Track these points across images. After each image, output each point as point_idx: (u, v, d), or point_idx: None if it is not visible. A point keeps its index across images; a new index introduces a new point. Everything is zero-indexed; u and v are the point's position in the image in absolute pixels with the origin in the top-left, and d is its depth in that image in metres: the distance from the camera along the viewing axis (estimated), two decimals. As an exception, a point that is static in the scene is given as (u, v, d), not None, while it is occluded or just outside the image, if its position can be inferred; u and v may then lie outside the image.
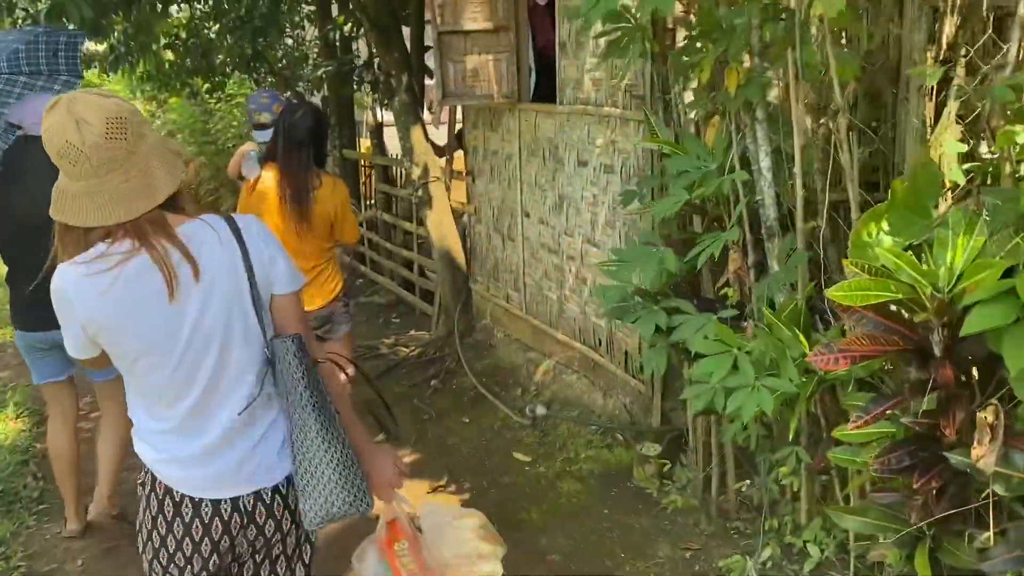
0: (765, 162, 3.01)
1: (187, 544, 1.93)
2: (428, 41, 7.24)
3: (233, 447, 1.91)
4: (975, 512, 2.39)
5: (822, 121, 3.02)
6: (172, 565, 1.95)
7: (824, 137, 2.91)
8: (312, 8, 8.60)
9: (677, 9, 3.65)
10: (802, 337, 2.78)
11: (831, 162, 2.71)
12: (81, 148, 1.68)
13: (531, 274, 5.35)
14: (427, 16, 6.90)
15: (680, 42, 3.61)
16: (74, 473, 3.83)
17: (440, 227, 6.10)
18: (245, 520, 1.94)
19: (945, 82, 2.98)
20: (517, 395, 5.17)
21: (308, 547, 2.11)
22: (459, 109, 6.29)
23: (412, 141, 6.09)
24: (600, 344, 4.72)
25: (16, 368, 5.87)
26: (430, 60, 7.53)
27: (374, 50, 7.45)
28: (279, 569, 2.07)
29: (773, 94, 3.17)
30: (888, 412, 2.37)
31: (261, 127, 4.14)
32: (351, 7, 7.36)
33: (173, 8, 7.98)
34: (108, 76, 10.47)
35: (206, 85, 9.64)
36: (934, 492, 2.38)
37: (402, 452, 4.61)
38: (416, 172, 6.09)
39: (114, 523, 3.86)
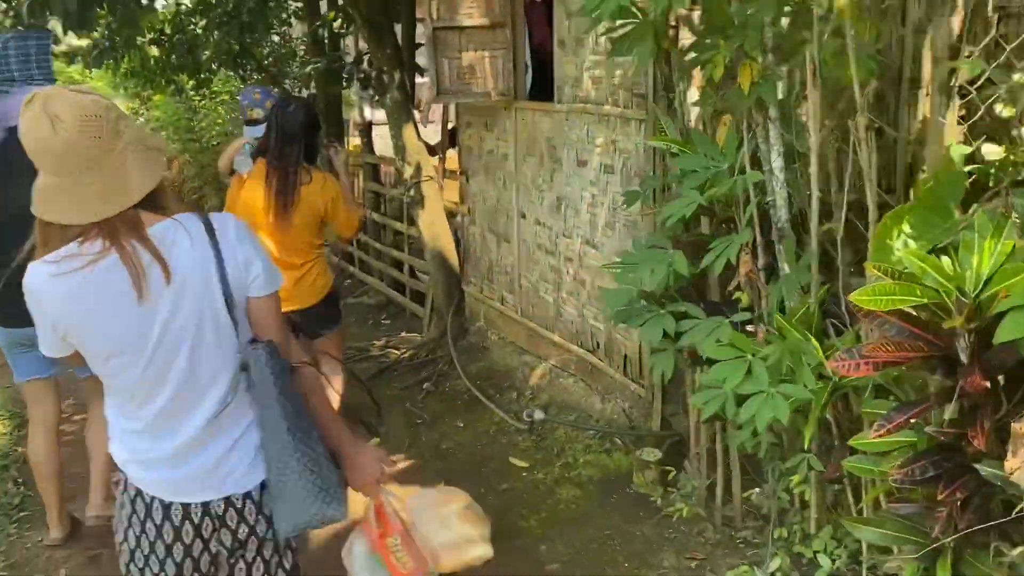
0: (777, 162, 2.93)
1: (160, 547, 1.93)
2: (420, 39, 7.18)
3: (205, 450, 1.90)
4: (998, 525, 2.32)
5: (829, 121, 2.95)
6: (147, 568, 1.95)
7: (839, 137, 2.83)
8: (300, 4, 8.46)
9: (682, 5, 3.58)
10: (815, 342, 2.71)
11: (849, 163, 2.63)
12: (55, 145, 1.67)
13: (527, 276, 5.25)
14: (419, 14, 6.83)
15: (682, 39, 3.53)
16: (56, 478, 3.71)
17: (433, 227, 5.99)
18: (217, 524, 1.94)
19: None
20: (512, 399, 5.07)
21: (289, 553, 2.09)
22: (452, 107, 6.19)
23: (404, 139, 5.97)
24: (598, 347, 4.63)
25: (-4, 369, 5.73)
26: (420, 58, 7.46)
27: (365, 47, 7.35)
28: (255, 574, 2.04)
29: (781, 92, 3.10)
30: (913, 421, 2.29)
31: (253, 123, 4.07)
32: (341, 3, 7.24)
33: (159, 2, 7.83)
34: (91, 72, 10.32)
35: (191, 82, 9.48)
36: (958, 504, 2.31)
37: (395, 457, 4.51)
38: (408, 171, 5.98)
39: (107, 527, 3.74)
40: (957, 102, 2.73)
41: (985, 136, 2.80)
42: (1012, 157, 2.83)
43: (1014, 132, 2.85)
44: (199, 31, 8.50)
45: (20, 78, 3.56)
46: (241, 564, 2.02)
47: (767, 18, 2.73)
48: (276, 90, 8.10)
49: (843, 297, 2.76)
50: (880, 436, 2.29)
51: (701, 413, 3.53)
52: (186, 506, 1.91)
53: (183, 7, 8.58)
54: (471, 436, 4.70)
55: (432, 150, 6.33)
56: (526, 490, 4.08)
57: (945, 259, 2.29)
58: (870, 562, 2.90)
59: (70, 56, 8.58)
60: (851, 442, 2.58)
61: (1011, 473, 2.03)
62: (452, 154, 6.34)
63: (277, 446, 1.86)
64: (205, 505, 1.92)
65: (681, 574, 3.35)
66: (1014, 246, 2.17)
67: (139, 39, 8.02)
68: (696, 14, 3.59)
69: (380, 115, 8.22)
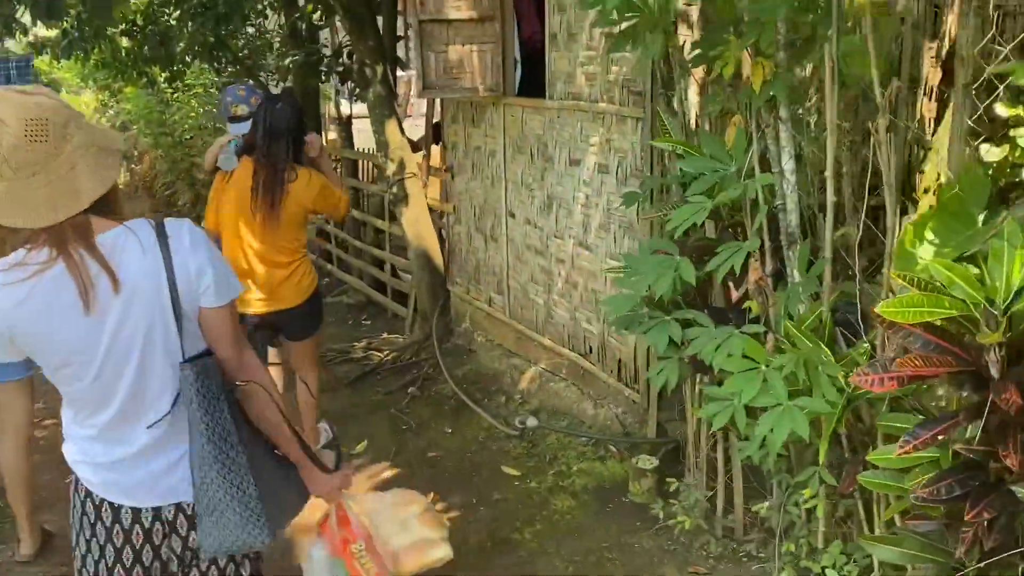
0: (789, 164, 2.82)
1: (109, 550, 1.92)
2: (401, 32, 7.01)
3: (156, 459, 1.89)
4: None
5: (846, 122, 2.85)
6: (99, 568, 1.93)
7: (854, 138, 2.73)
8: (277, -6, 8.25)
9: (681, 1, 3.46)
10: (828, 352, 2.61)
11: (855, 163, 2.52)
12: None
13: (516, 277, 5.11)
14: (400, 6, 6.66)
15: (681, 36, 3.42)
16: (27, 489, 3.53)
17: (416, 225, 5.84)
18: (167, 530, 1.93)
19: (946, 83, 2.85)
20: (501, 403, 4.93)
21: (248, 563, 2.07)
22: (436, 102, 6.03)
23: (387, 135, 5.81)
24: (591, 351, 4.50)
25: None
26: (401, 52, 7.30)
27: (343, 39, 7.17)
28: None
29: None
30: (940, 437, 2.19)
31: (237, 120, 3.92)
32: (321, -6, 7.06)
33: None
34: (59, 63, 10.04)
35: (164, 74, 9.24)
36: (985, 524, 2.22)
37: (381, 465, 4.36)
38: (391, 167, 5.82)
39: None
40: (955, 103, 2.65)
41: (983, 137, 2.71)
42: (1010, 159, 2.75)
43: (1012, 133, 2.77)
44: (173, 22, 8.27)
45: None
46: (193, 570, 2.00)
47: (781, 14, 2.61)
48: (250, 83, 7.92)
49: (859, 305, 2.66)
50: (906, 453, 2.19)
51: (702, 421, 3.44)
52: (136, 510, 1.90)
53: (156, -3, 8.34)
54: (460, 443, 4.56)
55: (415, 146, 6.18)
56: (519, 500, 3.95)
57: (972, 268, 2.20)
58: (883, 579, 2.80)
59: (38, 47, 8.31)
60: (870, 457, 2.48)
61: (1049, 495, 1.93)
62: (436, 150, 6.19)
63: (203, 467, 1.83)
64: (156, 510, 1.90)
65: (683, 589, 3.25)
66: (1048, 256, 2.07)
67: (110, 29, 7.80)
68: (694, 9, 3.48)
69: (358, 108, 8.06)
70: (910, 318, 2.14)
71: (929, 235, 2.36)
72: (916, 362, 2.15)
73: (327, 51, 7.78)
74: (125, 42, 8.70)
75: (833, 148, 2.57)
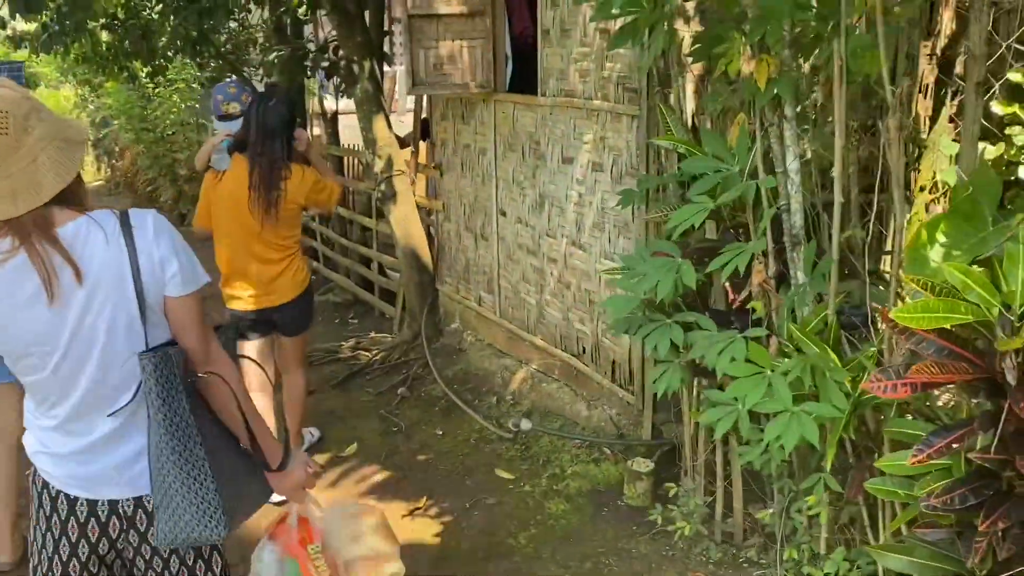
0: (793, 164, 2.75)
1: (64, 543, 1.90)
2: (388, 27, 6.90)
3: (116, 450, 1.87)
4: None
5: (853, 120, 2.79)
6: (53, 563, 1.91)
7: (861, 138, 2.67)
8: (262, -11, 8.10)
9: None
10: (834, 356, 2.55)
11: (879, 164, 2.47)
12: None
13: (507, 276, 5.04)
14: (387, 1, 6.55)
15: (681, 31, 3.35)
16: (14, 494, 3.44)
17: (405, 223, 5.75)
18: (125, 525, 1.91)
19: (943, 81, 2.81)
20: (492, 404, 4.85)
21: (216, 555, 2.03)
22: (424, 98, 5.94)
23: (375, 131, 5.71)
24: (584, 352, 4.44)
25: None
26: (386, 47, 7.18)
27: (328, 34, 7.04)
28: None
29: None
30: (955, 446, 2.14)
31: (228, 118, 3.83)
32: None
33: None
34: (38, 57, 9.86)
35: (146, 69, 9.09)
36: (1000, 534, 2.17)
37: (371, 468, 4.29)
38: (379, 164, 5.72)
39: None
40: (952, 102, 2.60)
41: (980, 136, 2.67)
42: (1006, 157, 2.71)
43: (1008, 131, 2.73)
44: (154, 16, 8.13)
45: None
46: (152, 565, 1.96)
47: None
48: (234, 78, 7.80)
49: (868, 307, 2.60)
50: (920, 461, 2.14)
51: (700, 424, 3.38)
52: (92, 503, 1.88)
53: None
54: (452, 445, 4.49)
55: (403, 143, 6.08)
56: (514, 504, 3.87)
57: (986, 272, 2.14)
58: (888, 587, 2.75)
59: (17, 41, 8.15)
60: (878, 464, 2.43)
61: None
62: (423, 147, 6.09)
63: (160, 457, 1.80)
64: (112, 503, 1.88)
65: (683, 596, 3.19)
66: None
67: (91, 23, 7.64)
68: (690, 5, 3.41)
69: (343, 105, 7.93)
70: (925, 324, 2.08)
71: (941, 237, 2.30)
72: (932, 369, 2.09)
73: (312, 46, 7.65)
74: (106, 36, 8.55)
75: (841, 148, 2.51)
